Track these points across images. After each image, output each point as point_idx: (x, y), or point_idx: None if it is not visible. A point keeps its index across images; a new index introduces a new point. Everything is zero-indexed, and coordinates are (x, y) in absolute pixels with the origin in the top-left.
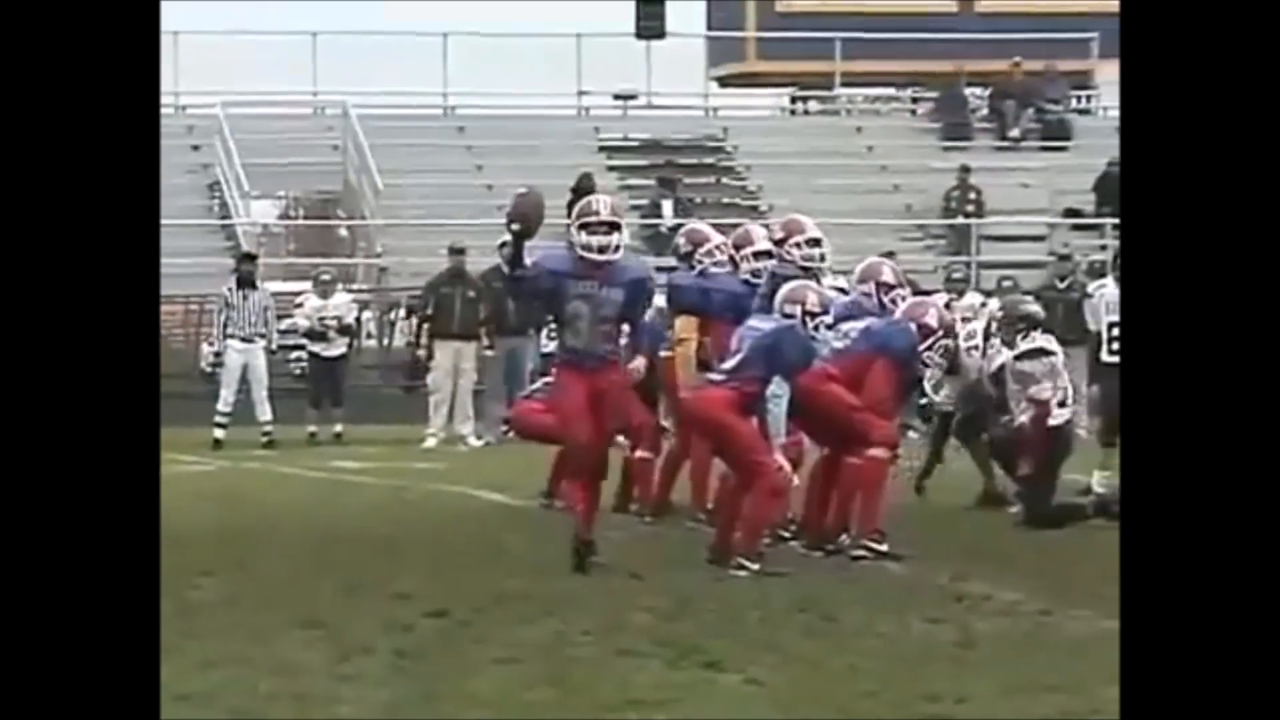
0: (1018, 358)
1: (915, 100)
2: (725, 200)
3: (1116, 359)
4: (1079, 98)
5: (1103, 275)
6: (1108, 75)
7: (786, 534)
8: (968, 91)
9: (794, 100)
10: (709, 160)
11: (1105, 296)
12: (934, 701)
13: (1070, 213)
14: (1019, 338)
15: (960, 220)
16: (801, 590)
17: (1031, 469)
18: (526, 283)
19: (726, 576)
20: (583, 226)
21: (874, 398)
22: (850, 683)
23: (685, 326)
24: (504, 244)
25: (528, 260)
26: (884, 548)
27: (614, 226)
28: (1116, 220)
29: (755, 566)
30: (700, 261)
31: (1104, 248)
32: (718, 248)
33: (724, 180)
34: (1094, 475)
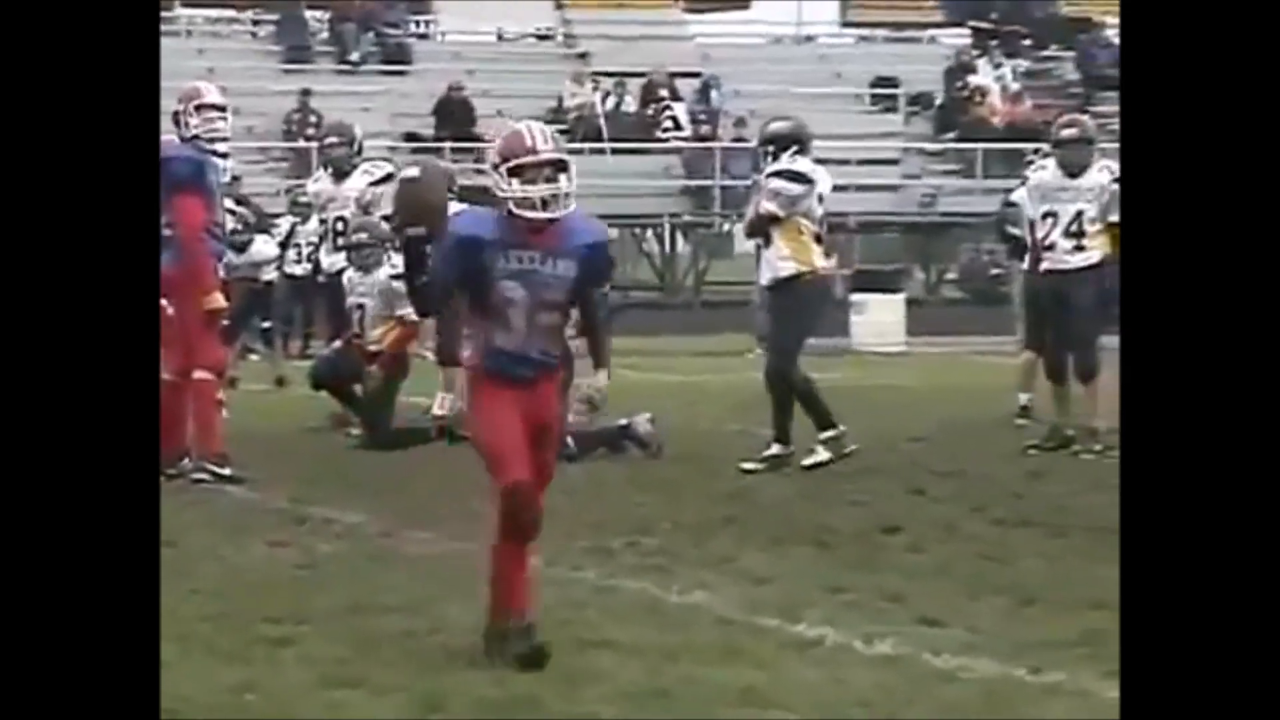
0: (394, 277)
1: (256, 23)
2: None
3: None
4: (418, 22)
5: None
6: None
7: None
8: (308, 15)
9: None
10: None
11: None
12: (275, 624)
13: (409, 137)
14: (380, 256)
15: (302, 143)
16: None
17: (374, 390)
18: (434, 283)
19: None
20: (513, 172)
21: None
22: (192, 607)
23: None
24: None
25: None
26: (226, 471)
27: (559, 166)
28: (455, 144)
29: None
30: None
31: None
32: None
33: None
34: (437, 397)
